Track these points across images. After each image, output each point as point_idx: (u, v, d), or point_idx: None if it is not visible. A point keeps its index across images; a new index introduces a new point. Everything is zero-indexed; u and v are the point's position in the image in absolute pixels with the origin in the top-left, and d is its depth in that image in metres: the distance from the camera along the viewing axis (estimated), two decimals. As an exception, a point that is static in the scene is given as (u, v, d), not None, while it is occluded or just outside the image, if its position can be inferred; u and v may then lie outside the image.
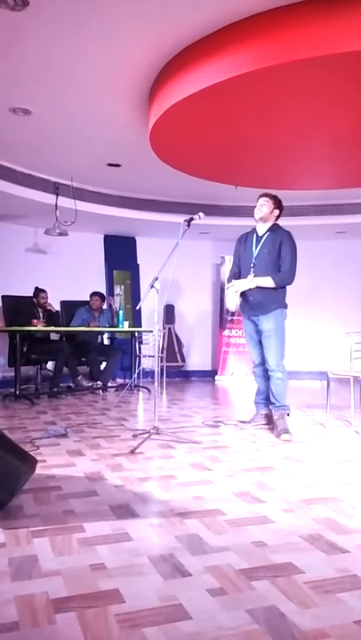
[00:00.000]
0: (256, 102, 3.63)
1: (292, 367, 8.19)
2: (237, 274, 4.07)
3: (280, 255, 3.86)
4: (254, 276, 3.88)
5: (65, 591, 1.49)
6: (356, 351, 4.42)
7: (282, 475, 2.77)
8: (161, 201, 7.00)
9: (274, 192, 6.13)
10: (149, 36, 3.17)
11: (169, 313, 8.13)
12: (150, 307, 4.74)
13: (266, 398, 4.06)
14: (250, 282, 3.88)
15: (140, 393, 6.34)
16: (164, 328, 7.82)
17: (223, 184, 5.79)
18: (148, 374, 7.26)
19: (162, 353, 7.60)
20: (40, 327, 5.73)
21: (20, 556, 1.73)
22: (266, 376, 4.02)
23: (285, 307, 3.96)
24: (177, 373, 8.15)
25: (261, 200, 3.97)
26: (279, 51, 2.95)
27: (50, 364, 6.40)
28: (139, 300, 7.48)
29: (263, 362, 3.99)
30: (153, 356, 6.18)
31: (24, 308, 6.01)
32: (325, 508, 2.23)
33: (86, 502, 2.27)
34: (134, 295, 7.99)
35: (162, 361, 7.44)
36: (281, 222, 7.49)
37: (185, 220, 3.77)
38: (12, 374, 5.68)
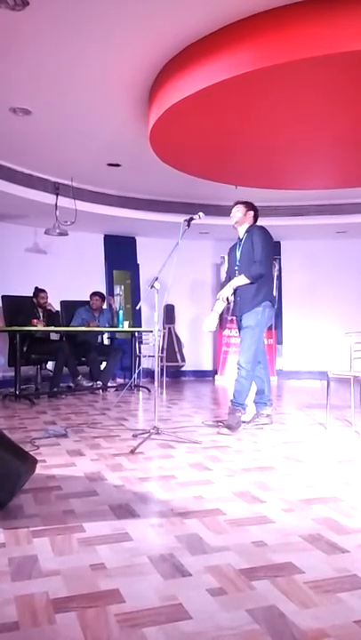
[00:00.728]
0: (256, 102, 3.63)
1: (292, 367, 8.31)
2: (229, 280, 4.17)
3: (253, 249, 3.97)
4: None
5: (65, 591, 1.49)
6: (357, 351, 4.42)
7: (282, 475, 2.77)
8: (161, 201, 7.00)
9: (274, 192, 6.21)
10: (149, 35, 3.17)
11: (169, 313, 8.13)
12: (150, 307, 4.75)
13: (266, 397, 4.15)
14: (228, 287, 4.02)
15: (140, 393, 6.34)
16: (164, 328, 7.82)
17: (223, 184, 5.79)
18: (148, 374, 7.27)
19: (162, 353, 7.61)
20: (40, 327, 5.73)
21: (19, 555, 1.73)
22: (264, 374, 4.13)
23: (269, 300, 3.99)
24: (177, 373, 8.15)
25: (233, 209, 4.12)
26: (279, 50, 2.95)
27: (50, 364, 6.40)
28: (139, 300, 7.49)
29: (257, 361, 4.06)
30: (153, 356, 6.19)
31: (24, 307, 6.01)
32: (325, 507, 2.23)
33: (86, 502, 2.27)
34: (134, 295, 7.99)
35: (162, 361, 7.45)
36: (282, 222, 7.50)
37: (185, 220, 3.79)
38: (12, 374, 5.68)
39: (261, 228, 4.05)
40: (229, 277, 4.18)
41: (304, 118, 3.93)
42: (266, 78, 3.20)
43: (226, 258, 4.35)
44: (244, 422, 4.10)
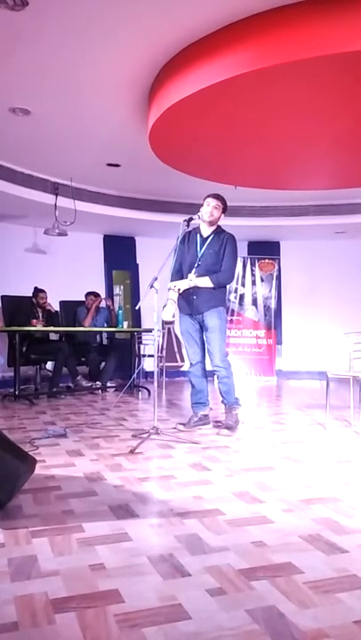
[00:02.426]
0: (255, 102, 3.63)
1: (292, 367, 8.31)
2: (180, 272, 4.05)
3: (223, 256, 3.93)
4: (196, 275, 3.92)
5: (64, 591, 1.49)
6: (356, 351, 4.42)
7: (281, 475, 2.77)
8: (161, 201, 7.00)
9: (274, 192, 6.21)
10: (149, 35, 3.17)
11: (168, 313, 8.12)
12: (150, 306, 4.74)
13: (205, 397, 4.11)
14: (189, 281, 3.93)
15: (140, 393, 6.34)
16: (163, 328, 7.82)
17: (223, 184, 5.79)
18: (148, 374, 7.27)
19: (161, 353, 7.60)
20: (39, 327, 5.73)
21: (19, 556, 1.73)
22: (204, 375, 4.12)
23: (223, 305, 4.05)
24: (176, 373, 8.15)
25: (213, 202, 3.91)
26: (278, 51, 2.95)
27: (49, 364, 6.39)
28: (138, 300, 7.48)
29: (202, 360, 4.10)
30: (152, 356, 6.19)
31: (23, 307, 6.00)
32: (325, 507, 2.23)
33: (86, 502, 2.27)
34: (134, 295, 7.99)
35: (161, 361, 7.44)
36: (281, 222, 7.47)
37: (184, 220, 3.78)
38: (12, 374, 5.68)
39: (234, 238, 4.00)
40: (180, 268, 4.02)
41: (304, 118, 3.93)
42: (265, 78, 3.20)
43: (177, 245, 4.00)
44: (181, 424, 4.01)
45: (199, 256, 3.97)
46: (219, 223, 4.02)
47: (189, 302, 3.98)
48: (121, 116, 4.37)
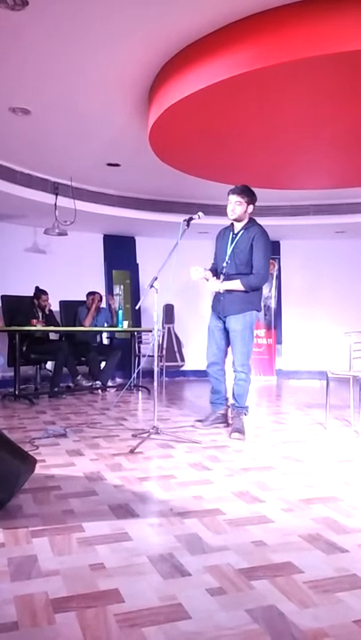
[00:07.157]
0: (255, 102, 3.63)
1: (292, 367, 8.31)
2: (215, 271, 4.01)
3: (252, 253, 3.80)
4: (225, 275, 3.87)
5: (64, 591, 1.49)
6: (356, 351, 4.42)
7: (281, 474, 2.77)
8: (161, 201, 7.00)
9: (274, 192, 6.20)
10: (149, 35, 3.17)
11: (168, 313, 8.13)
12: (150, 306, 4.73)
13: (222, 397, 4.07)
14: (220, 285, 3.86)
15: (140, 393, 6.34)
16: (163, 328, 7.82)
17: (222, 184, 5.79)
18: (148, 374, 7.26)
19: (161, 353, 7.60)
20: (39, 327, 5.73)
21: (19, 555, 1.73)
22: (222, 376, 4.05)
23: (258, 309, 3.93)
24: (176, 373, 8.15)
25: (234, 198, 3.75)
26: (278, 50, 2.95)
27: (49, 364, 6.40)
28: (138, 300, 7.48)
29: (218, 362, 4.01)
30: (152, 356, 6.20)
31: (23, 307, 6.01)
32: (325, 507, 2.23)
33: (86, 502, 2.27)
34: (134, 295, 7.99)
35: (161, 361, 7.44)
36: (281, 222, 7.45)
37: (184, 220, 3.77)
38: (12, 374, 5.68)
39: (265, 232, 3.84)
40: (216, 267, 4.01)
41: (303, 118, 3.93)
42: (265, 78, 3.20)
43: (215, 243, 4.04)
44: (199, 421, 4.01)
45: (228, 254, 3.87)
46: (252, 216, 3.90)
47: (218, 302, 3.95)
48: (121, 116, 4.36)
